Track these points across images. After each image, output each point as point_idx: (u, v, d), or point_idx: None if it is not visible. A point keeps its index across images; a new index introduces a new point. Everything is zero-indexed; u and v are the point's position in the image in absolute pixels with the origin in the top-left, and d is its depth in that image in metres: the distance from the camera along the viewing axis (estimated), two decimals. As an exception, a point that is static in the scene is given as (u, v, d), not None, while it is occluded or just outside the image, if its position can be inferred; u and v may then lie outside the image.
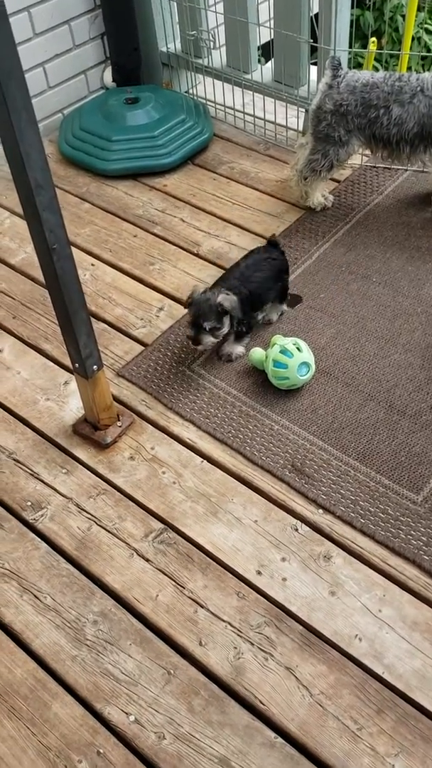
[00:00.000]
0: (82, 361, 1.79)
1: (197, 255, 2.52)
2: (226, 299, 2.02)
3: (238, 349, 2.16)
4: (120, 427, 1.99)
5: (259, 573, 1.69)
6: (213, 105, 3.09)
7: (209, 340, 2.05)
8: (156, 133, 2.83)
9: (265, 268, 2.15)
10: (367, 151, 2.61)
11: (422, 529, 1.73)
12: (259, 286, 2.12)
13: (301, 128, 2.95)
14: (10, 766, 1.42)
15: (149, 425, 2.01)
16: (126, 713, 1.49)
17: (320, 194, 2.61)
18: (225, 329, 2.06)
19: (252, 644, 1.57)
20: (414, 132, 2.31)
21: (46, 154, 1.44)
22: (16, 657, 1.58)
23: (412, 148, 2.36)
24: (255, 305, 2.15)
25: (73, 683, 1.53)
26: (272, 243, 2.20)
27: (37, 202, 1.45)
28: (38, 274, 2.47)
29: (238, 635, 1.59)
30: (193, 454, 1.94)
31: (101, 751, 1.44)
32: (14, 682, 1.54)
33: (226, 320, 2.05)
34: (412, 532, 1.73)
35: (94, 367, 1.83)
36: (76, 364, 1.82)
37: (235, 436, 1.97)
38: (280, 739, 1.44)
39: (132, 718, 1.48)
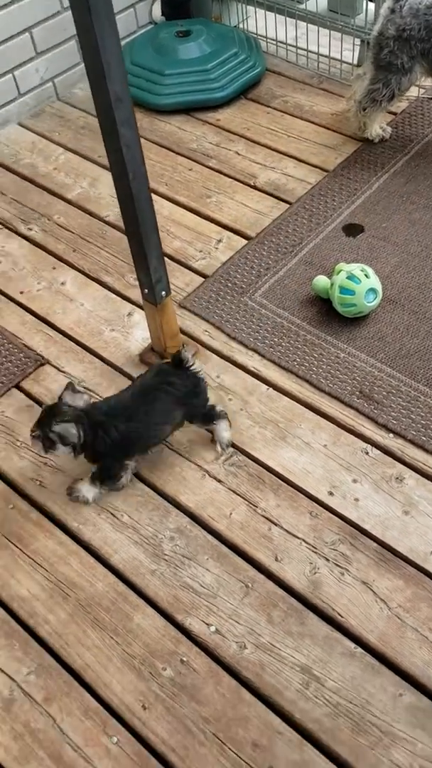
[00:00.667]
0: (152, 286, 1.79)
1: (254, 187, 2.49)
2: (66, 428, 1.56)
3: (89, 493, 1.69)
4: (185, 355, 1.99)
5: (330, 494, 1.70)
6: (264, 39, 3.02)
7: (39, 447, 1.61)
8: (209, 67, 2.78)
9: (156, 398, 1.65)
10: (426, 82, 2.54)
11: None
12: (141, 425, 1.63)
13: (356, 60, 2.87)
14: (97, 673, 1.47)
15: (213, 354, 2.02)
16: (207, 624, 1.52)
17: (378, 126, 2.55)
18: (60, 451, 1.61)
19: (327, 560, 1.59)
20: None
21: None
22: (96, 571, 1.62)
23: None
24: (129, 448, 1.66)
25: (154, 596, 1.57)
26: (176, 361, 1.65)
27: (116, 116, 1.43)
28: (95, 208, 2.47)
29: (313, 551, 1.61)
30: (258, 381, 1.94)
31: (184, 659, 1.47)
32: (96, 594, 1.58)
33: (62, 447, 1.59)
34: None
35: (163, 293, 1.83)
36: (146, 290, 1.82)
37: (301, 364, 1.97)
38: (359, 650, 1.46)
39: (213, 628, 1.51)
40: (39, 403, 1.93)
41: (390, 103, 2.45)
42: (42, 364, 2.02)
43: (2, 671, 1.47)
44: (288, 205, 2.40)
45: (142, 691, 1.43)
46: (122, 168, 1.53)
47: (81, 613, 1.55)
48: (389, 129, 2.59)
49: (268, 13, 2.98)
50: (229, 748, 1.35)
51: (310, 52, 2.94)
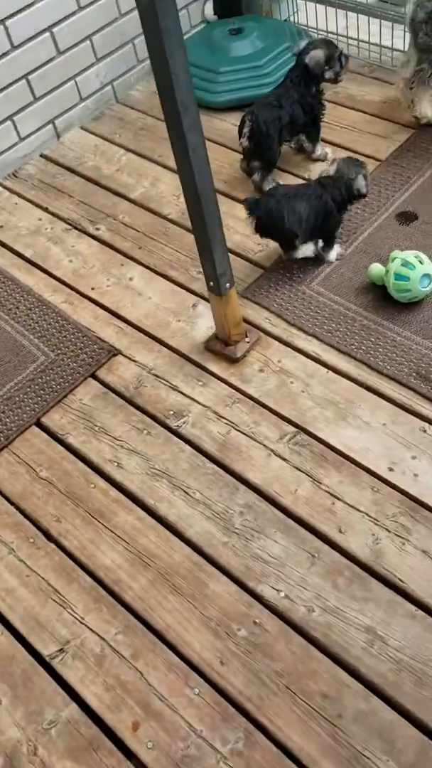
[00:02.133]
0: (217, 279, 1.91)
1: (310, 179, 2.58)
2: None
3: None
4: (248, 342, 2.11)
5: (390, 470, 1.80)
6: (315, 31, 3.10)
7: None
8: (262, 62, 2.88)
9: None
10: None
11: None
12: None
13: (406, 48, 2.93)
14: (178, 633, 1.61)
15: (274, 341, 2.13)
16: (276, 590, 1.64)
17: (428, 104, 2.61)
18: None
19: (389, 531, 1.69)
20: None
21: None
22: (172, 543, 1.76)
23: None
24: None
25: (226, 565, 1.70)
26: None
27: (183, 123, 1.56)
28: (157, 207, 2.60)
29: (375, 524, 1.71)
30: (318, 365, 2.05)
31: (257, 621, 1.60)
32: (173, 564, 1.72)
33: None
34: None
35: (227, 285, 1.95)
36: (211, 282, 1.95)
37: (358, 348, 2.06)
38: (420, 612, 1.57)
39: (282, 594, 1.64)
40: (114, 391, 2.08)
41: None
42: (114, 355, 2.17)
43: (93, 631, 1.63)
44: (342, 196, 2.49)
45: (219, 648, 1.57)
46: (189, 170, 1.65)
47: (161, 581, 1.70)
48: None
49: (318, 5, 3.05)
50: (301, 699, 1.48)
51: (361, 41, 3.00)
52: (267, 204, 2.17)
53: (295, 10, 3.16)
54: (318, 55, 2.44)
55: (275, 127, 2.43)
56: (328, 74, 2.49)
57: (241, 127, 2.47)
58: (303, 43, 2.49)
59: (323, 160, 2.62)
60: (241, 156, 2.59)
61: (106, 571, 1.73)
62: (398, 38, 2.92)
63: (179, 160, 1.66)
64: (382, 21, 2.90)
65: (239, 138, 2.48)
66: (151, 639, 1.61)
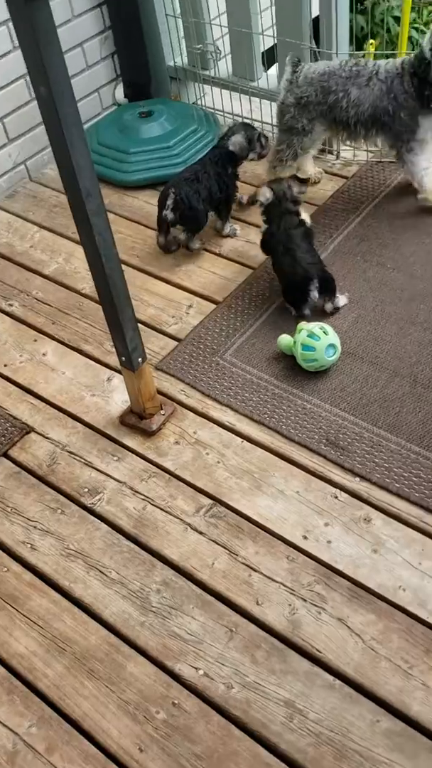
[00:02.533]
0: (129, 355, 1.94)
1: (220, 255, 2.67)
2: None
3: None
4: (163, 415, 2.13)
5: (305, 538, 1.83)
6: (221, 113, 3.25)
7: None
8: (171, 143, 2.99)
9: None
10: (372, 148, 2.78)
11: (453, 489, 1.87)
12: None
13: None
14: (95, 720, 1.56)
15: (190, 412, 2.16)
16: (195, 668, 1.62)
17: (310, 163, 2.82)
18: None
19: (305, 600, 1.71)
20: (368, 114, 2.48)
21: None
22: (89, 626, 1.72)
23: (367, 130, 2.54)
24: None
25: (144, 645, 1.67)
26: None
27: (87, 208, 1.60)
28: (71, 282, 2.63)
29: (291, 593, 1.73)
30: (233, 435, 2.08)
31: (176, 702, 1.58)
32: (90, 648, 1.68)
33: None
34: (444, 492, 1.86)
35: (140, 359, 1.97)
36: (123, 358, 1.97)
37: (271, 416, 2.11)
38: (338, 681, 1.57)
39: (201, 672, 1.62)
40: (27, 469, 2.05)
41: (295, 161, 2.71)
42: (27, 432, 2.15)
43: (5, 726, 1.56)
44: (251, 270, 2.58)
45: (137, 734, 1.53)
46: (96, 253, 1.69)
47: (77, 666, 1.65)
48: (322, 172, 2.90)
49: (222, 90, 3.21)
50: (222, 783, 1.45)
51: (265, 123, 3.16)
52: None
53: (202, 94, 3.31)
54: (239, 140, 2.62)
55: (196, 199, 2.55)
56: (251, 155, 2.66)
57: (163, 201, 2.57)
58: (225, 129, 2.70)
59: (232, 237, 2.71)
60: (157, 232, 2.67)
61: (20, 660, 1.67)
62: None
63: (85, 244, 1.70)
64: (283, 105, 3.07)
65: (161, 211, 2.57)
66: (66, 729, 1.55)
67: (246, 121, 2.90)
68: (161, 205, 2.57)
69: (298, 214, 2.40)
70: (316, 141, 2.68)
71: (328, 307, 2.34)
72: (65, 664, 1.66)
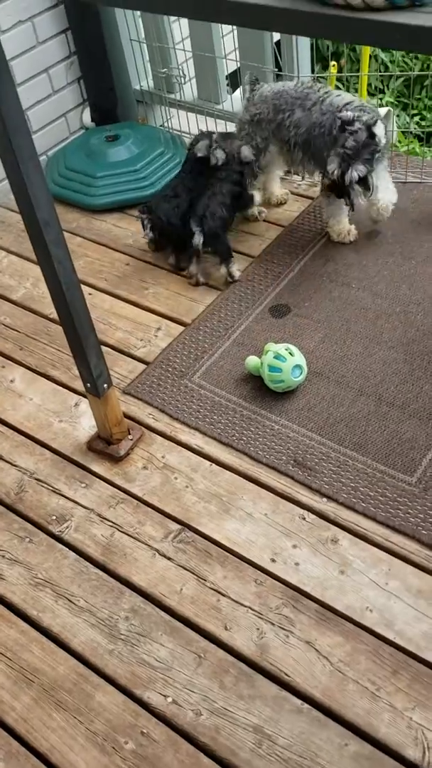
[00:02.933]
0: (94, 381, 1.94)
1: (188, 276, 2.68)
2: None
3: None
4: (131, 440, 2.13)
5: (273, 560, 1.83)
6: (188, 135, 3.28)
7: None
8: (138, 167, 3.01)
9: None
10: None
11: (419, 507, 1.88)
12: None
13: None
14: (63, 753, 1.55)
15: (158, 436, 2.16)
16: (164, 696, 1.62)
17: (277, 185, 2.87)
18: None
19: (273, 624, 1.71)
20: (303, 138, 2.52)
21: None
22: (57, 656, 1.71)
23: (303, 154, 2.58)
24: None
25: (113, 674, 1.67)
26: None
27: (46, 239, 1.61)
28: (39, 307, 2.63)
29: (260, 617, 1.73)
30: (201, 458, 2.09)
31: (144, 731, 1.57)
32: (58, 678, 1.67)
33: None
34: (410, 510, 1.88)
35: (105, 385, 1.98)
36: (88, 384, 1.97)
37: (239, 438, 2.12)
38: (306, 705, 1.57)
39: (170, 699, 1.61)
40: (-5, 497, 2.04)
41: (256, 180, 2.76)
42: (-4, 460, 2.14)
43: (-28, 762, 1.55)
44: (219, 292, 2.60)
45: (106, 765, 1.52)
46: (57, 282, 1.70)
47: (45, 697, 1.64)
48: (287, 193, 2.93)
49: (189, 113, 3.24)
50: None
51: (231, 145, 3.19)
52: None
53: (169, 117, 3.34)
54: (205, 144, 2.67)
55: (175, 214, 2.60)
56: (213, 159, 2.65)
57: (142, 222, 2.65)
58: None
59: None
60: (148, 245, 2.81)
61: (-14, 693, 1.66)
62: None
63: (46, 273, 1.70)
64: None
65: (143, 230, 2.68)
66: (34, 764, 1.54)
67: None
68: (142, 226, 2.67)
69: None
70: (272, 161, 2.73)
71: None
72: (33, 695, 1.64)
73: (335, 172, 2.36)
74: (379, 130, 2.33)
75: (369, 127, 2.32)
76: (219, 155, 2.61)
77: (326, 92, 2.48)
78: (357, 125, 2.32)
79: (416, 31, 0.70)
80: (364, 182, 2.39)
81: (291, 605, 1.74)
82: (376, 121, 2.33)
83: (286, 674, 1.63)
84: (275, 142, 2.64)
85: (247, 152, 2.61)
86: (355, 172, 2.35)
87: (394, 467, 1.97)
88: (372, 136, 2.32)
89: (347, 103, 2.40)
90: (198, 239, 2.52)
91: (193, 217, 2.55)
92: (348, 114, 2.33)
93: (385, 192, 2.60)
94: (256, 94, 2.60)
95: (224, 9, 0.84)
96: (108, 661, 1.69)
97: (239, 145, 2.63)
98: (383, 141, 2.36)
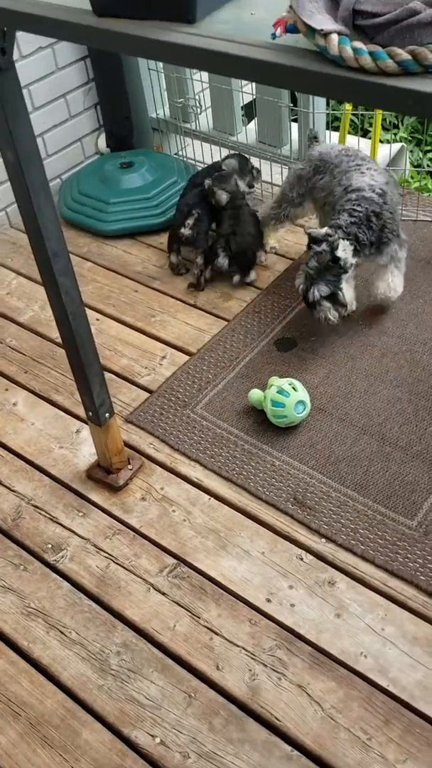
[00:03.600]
0: (96, 410, 1.94)
1: (194, 306, 2.68)
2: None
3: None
4: (131, 470, 2.12)
5: (268, 600, 1.81)
6: (203, 165, 3.30)
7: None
8: (151, 195, 3.03)
9: None
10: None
11: (418, 552, 1.86)
12: None
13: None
14: (46, 791, 1.52)
15: (158, 467, 2.15)
16: (152, 736, 1.59)
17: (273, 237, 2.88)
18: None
19: (265, 666, 1.68)
20: (327, 201, 2.52)
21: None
22: (46, 689, 1.69)
23: (326, 216, 2.54)
24: None
25: (101, 711, 1.64)
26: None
27: (54, 269, 1.61)
28: (46, 331, 2.64)
29: (252, 658, 1.70)
30: (200, 492, 2.07)
31: (130, 772, 1.54)
32: (45, 713, 1.65)
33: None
34: (409, 555, 1.86)
35: (107, 414, 1.97)
36: (90, 413, 1.96)
37: (239, 473, 2.11)
38: (296, 752, 1.54)
39: (158, 740, 1.58)
40: (-9, 522, 2.03)
41: (282, 225, 2.77)
42: (-6, 484, 2.13)
43: None
44: (226, 322, 2.60)
45: (89, 808, 1.49)
46: (63, 312, 1.70)
47: (31, 732, 1.61)
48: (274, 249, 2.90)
49: (203, 143, 3.27)
50: None
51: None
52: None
53: (183, 146, 3.36)
54: (232, 162, 2.77)
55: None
56: (242, 185, 2.76)
57: (183, 218, 2.71)
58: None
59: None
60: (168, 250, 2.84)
61: (-28, 725, 1.63)
62: (276, 174, 3.15)
63: (53, 302, 1.70)
64: (261, 159, 3.12)
65: (180, 229, 2.71)
66: (16, 801, 1.51)
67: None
68: (181, 223, 2.71)
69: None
70: (302, 216, 2.76)
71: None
72: (19, 730, 1.62)
73: (300, 287, 2.34)
74: (342, 252, 2.24)
75: (333, 250, 2.23)
76: (223, 197, 2.71)
77: (356, 165, 2.46)
78: (323, 246, 2.25)
79: (428, 98, 0.70)
80: (332, 299, 2.31)
81: (285, 647, 1.71)
82: (338, 244, 2.24)
83: (277, 719, 1.60)
84: (309, 200, 2.65)
85: (222, 197, 2.68)
86: (317, 291, 2.30)
87: (395, 510, 1.95)
88: (335, 259, 2.25)
89: (355, 189, 2.35)
90: (223, 260, 2.66)
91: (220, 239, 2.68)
92: (316, 231, 2.29)
93: (383, 284, 2.46)
94: (310, 151, 2.62)
95: (235, 64, 0.84)
96: (97, 696, 1.66)
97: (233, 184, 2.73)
98: (349, 262, 2.27)
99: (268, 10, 0.93)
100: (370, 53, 0.76)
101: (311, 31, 0.81)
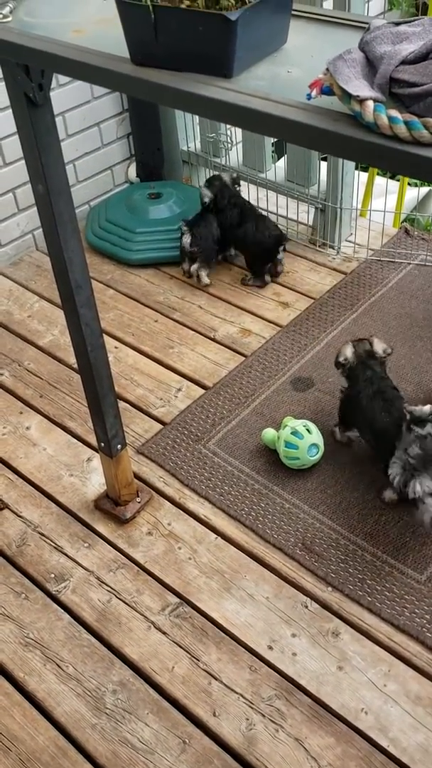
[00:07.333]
0: (108, 441, 1.93)
1: (213, 339, 2.68)
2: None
3: None
4: (139, 503, 2.11)
5: (270, 648, 1.78)
6: (229, 199, 3.32)
7: None
8: (176, 227, 3.03)
9: None
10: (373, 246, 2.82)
11: (425, 608, 1.82)
12: None
13: (311, 222, 3.16)
14: None
15: (166, 501, 2.13)
16: (143, 781, 1.56)
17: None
18: None
19: (263, 716, 1.65)
20: None
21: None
22: (38, 725, 1.66)
23: None
24: None
25: (93, 751, 1.61)
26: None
27: (77, 300, 1.62)
28: (64, 356, 2.64)
29: (250, 707, 1.67)
30: (207, 530, 2.05)
31: None
32: (36, 749, 1.62)
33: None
34: (416, 610, 1.82)
35: (119, 446, 1.96)
36: (102, 444, 1.96)
37: (248, 513, 2.08)
38: (289, 810, 1.51)
39: (148, 786, 1.55)
40: (-4, 548, 2.02)
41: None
42: (1, 509, 2.12)
43: None
44: (243, 358, 2.59)
45: None
46: (82, 342, 1.70)
47: (20, 769, 1.59)
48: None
49: (233, 178, 3.29)
50: None
51: (271, 212, 3.23)
52: None
53: (212, 179, 3.38)
54: (206, 192, 2.91)
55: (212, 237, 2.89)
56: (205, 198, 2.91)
57: (181, 236, 2.90)
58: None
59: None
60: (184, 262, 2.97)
61: (-38, 756, 1.61)
62: (303, 212, 3.16)
63: (73, 334, 1.71)
64: (289, 198, 3.14)
65: (188, 247, 2.88)
66: None
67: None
68: (187, 243, 2.90)
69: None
70: None
71: None
72: (8, 765, 1.59)
73: (395, 479, 1.88)
74: None
75: None
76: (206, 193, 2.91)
77: None
78: (428, 428, 1.76)
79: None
80: None
81: (284, 697, 1.68)
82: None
83: (272, 773, 1.56)
84: None
85: (205, 192, 2.89)
86: (420, 486, 1.82)
87: (404, 563, 1.92)
88: None
89: None
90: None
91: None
92: (419, 410, 1.78)
93: None
94: None
95: (269, 123, 0.84)
96: (90, 736, 1.64)
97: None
98: None
99: (305, 69, 0.94)
100: (405, 122, 0.76)
101: (347, 96, 0.81)
